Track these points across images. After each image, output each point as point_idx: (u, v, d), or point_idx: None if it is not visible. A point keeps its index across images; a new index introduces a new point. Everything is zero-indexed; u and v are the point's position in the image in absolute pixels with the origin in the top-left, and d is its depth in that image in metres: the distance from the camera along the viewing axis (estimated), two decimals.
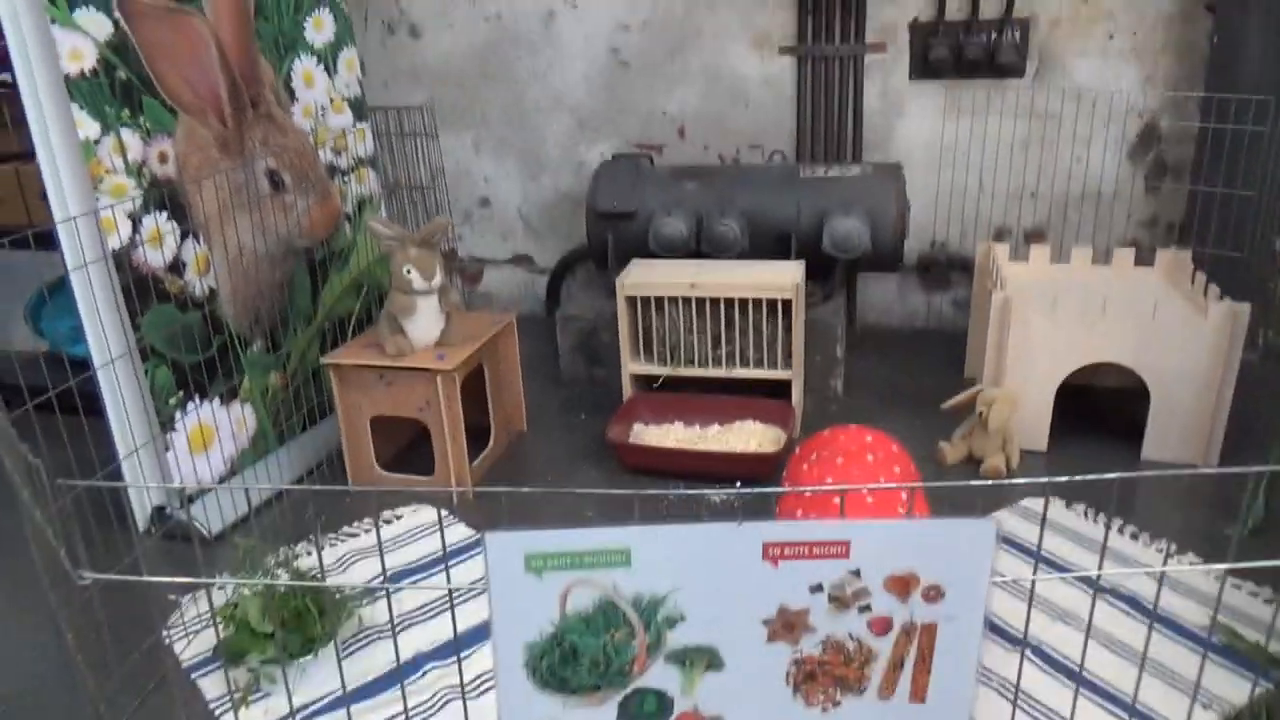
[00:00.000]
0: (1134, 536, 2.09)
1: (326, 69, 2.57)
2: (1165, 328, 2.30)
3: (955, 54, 2.97)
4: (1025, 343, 2.37)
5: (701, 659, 0.94)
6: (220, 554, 2.10)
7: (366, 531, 2.21)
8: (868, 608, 0.93)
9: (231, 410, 2.27)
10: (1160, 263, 2.69)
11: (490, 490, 2.27)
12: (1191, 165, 2.92)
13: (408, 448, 2.52)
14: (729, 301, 2.49)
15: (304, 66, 2.49)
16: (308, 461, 2.50)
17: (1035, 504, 2.21)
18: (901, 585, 0.90)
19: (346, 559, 2.09)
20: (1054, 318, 2.34)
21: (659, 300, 2.53)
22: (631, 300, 2.55)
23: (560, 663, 0.93)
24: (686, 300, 2.51)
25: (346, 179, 2.66)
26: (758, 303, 2.47)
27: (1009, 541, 2.05)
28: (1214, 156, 2.74)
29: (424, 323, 2.27)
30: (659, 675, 0.95)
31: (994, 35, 2.94)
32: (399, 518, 2.25)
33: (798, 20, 3.05)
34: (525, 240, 3.54)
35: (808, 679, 0.95)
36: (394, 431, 2.46)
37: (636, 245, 2.83)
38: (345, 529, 2.21)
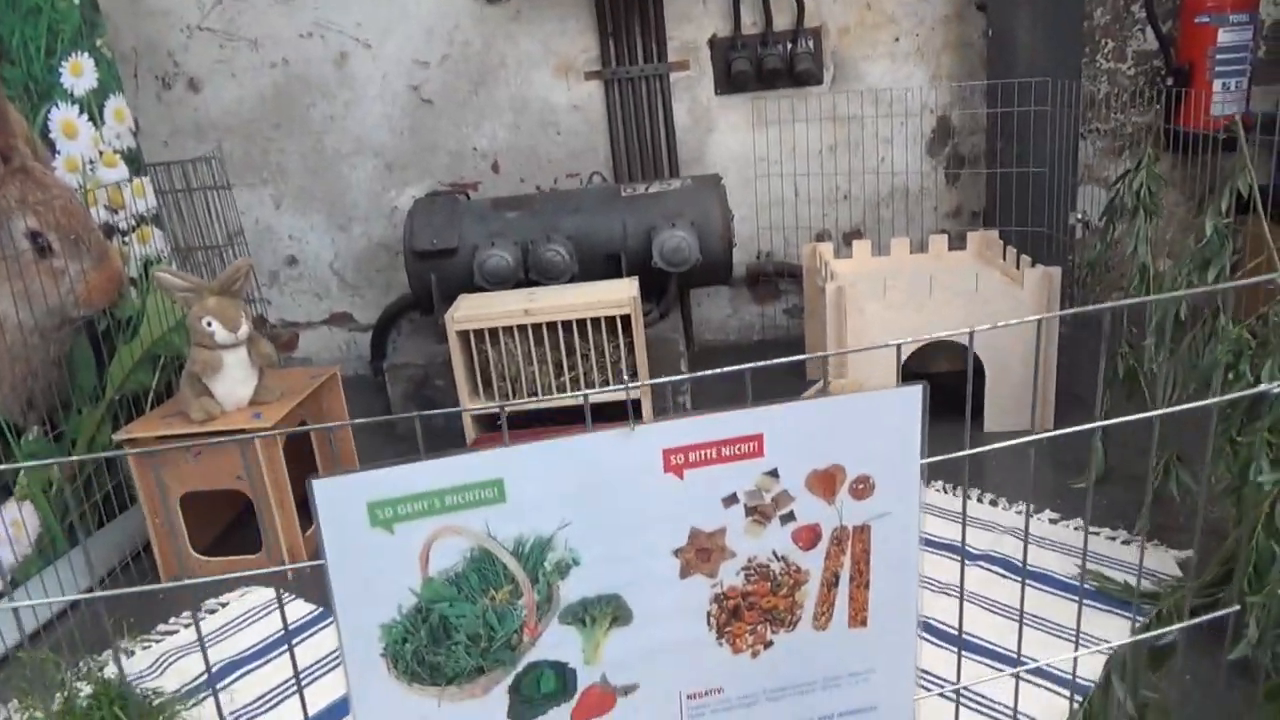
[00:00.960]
0: (993, 503, 2.13)
1: (91, 119, 2.31)
2: (988, 298, 2.38)
3: (756, 67, 3.02)
4: (863, 329, 2.38)
5: (605, 613, 0.77)
6: (8, 675, 1.77)
7: (186, 626, 1.93)
8: (791, 516, 0.79)
9: (6, 511, 1.94)
10: (972, 244, 2.80)
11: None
12: (985, 154, 3.08)
13: (230, 527, 2.25)
14: (566, 325, 2.38)
15: (63, 116, 2.23)
16: (110, 559, 2.18)
17: None
18: (826, 482, 0.78)
19: (165, 659, 1.81)
20: (885, 301, 2.37)
21: (493, 332, 2.39)
22: (464, 336, 2.39)
23: (430, 644, 0.73)
24: (522, 329, 2.38)
25: (127, 240, 2.39)
26: (596, 322, 2.38)
27: None
28: (1004, 141, 2.89)
29: (233, 380, 2.04)
30: (555, 642, 0.78)
31: (790, 46, 3.02)
32: (224, 605, 1.99)
33: (599, 44, 3.03)
34: (341, 297, 3.31)
35: (732, 618, 0.80)
36: (211, 510, 2.19)
37: (462, 283, 2.68)
38: (162, 626, 1.93)
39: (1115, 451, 2.25)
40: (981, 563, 1.86)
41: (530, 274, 2.67)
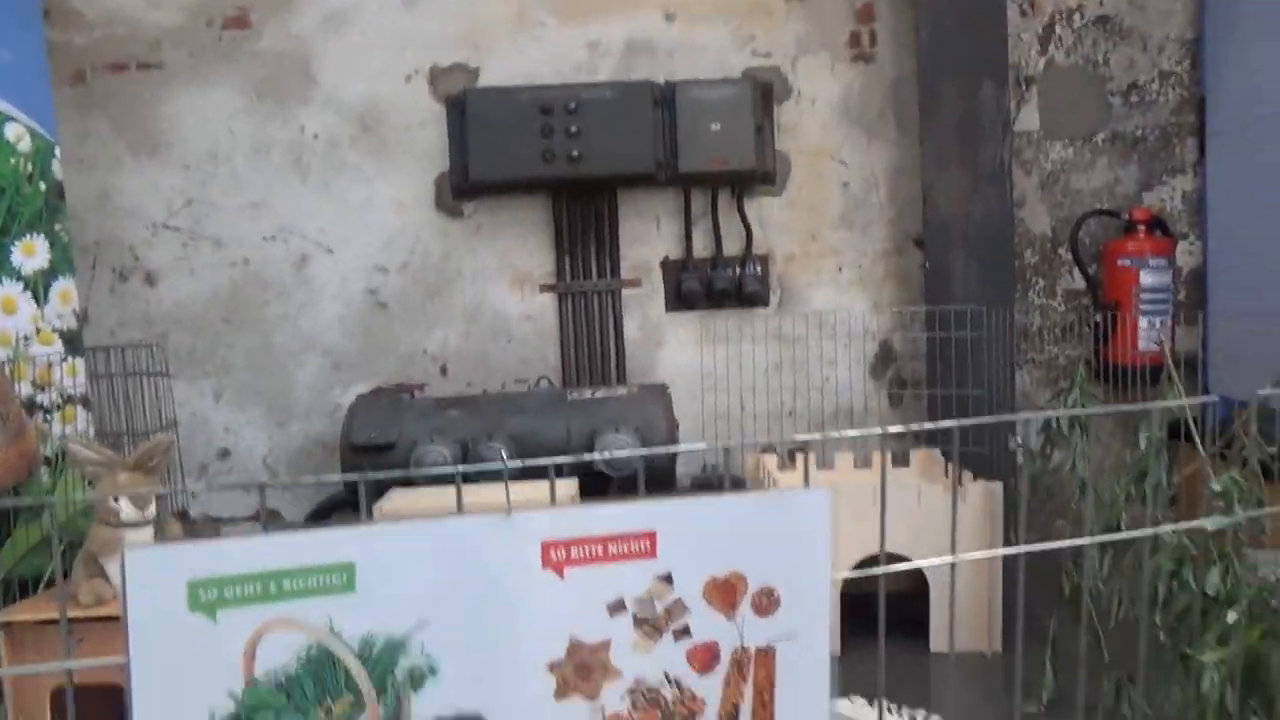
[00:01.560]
0: None
1: (35, 297, 2.31)
2: (930, 512, 2.35)
3: (706, 286, 3.13)
4: None
5: None
6: None
7: None
8: (685, 631, 0.69)
9: None
10: (915, 461, 2.80)
11: None
12: (926, 378, 3.15)
13: None
14: None
15: (4, 292, 2.22)
16: None
17: (836, 704, 2.07)
18: (725, 593, 0.68)
19: None
20: None
21: None
22: None
23: None
24: None
25: (49, 417, 2.32)
26: None
27: None
28: (944, 365, 2.97)
29: None
30: None
31: (739, 270, 3.15)
32: None
33: (555, 260, 3.15)
34: (272, 493, 3.19)
35: None
36: (96, 716, 1.97)
37: (397, 480, 2.60)
38: None
39: (1065, 673, 2.14)
40: None
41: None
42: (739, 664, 0.72)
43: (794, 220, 3.18)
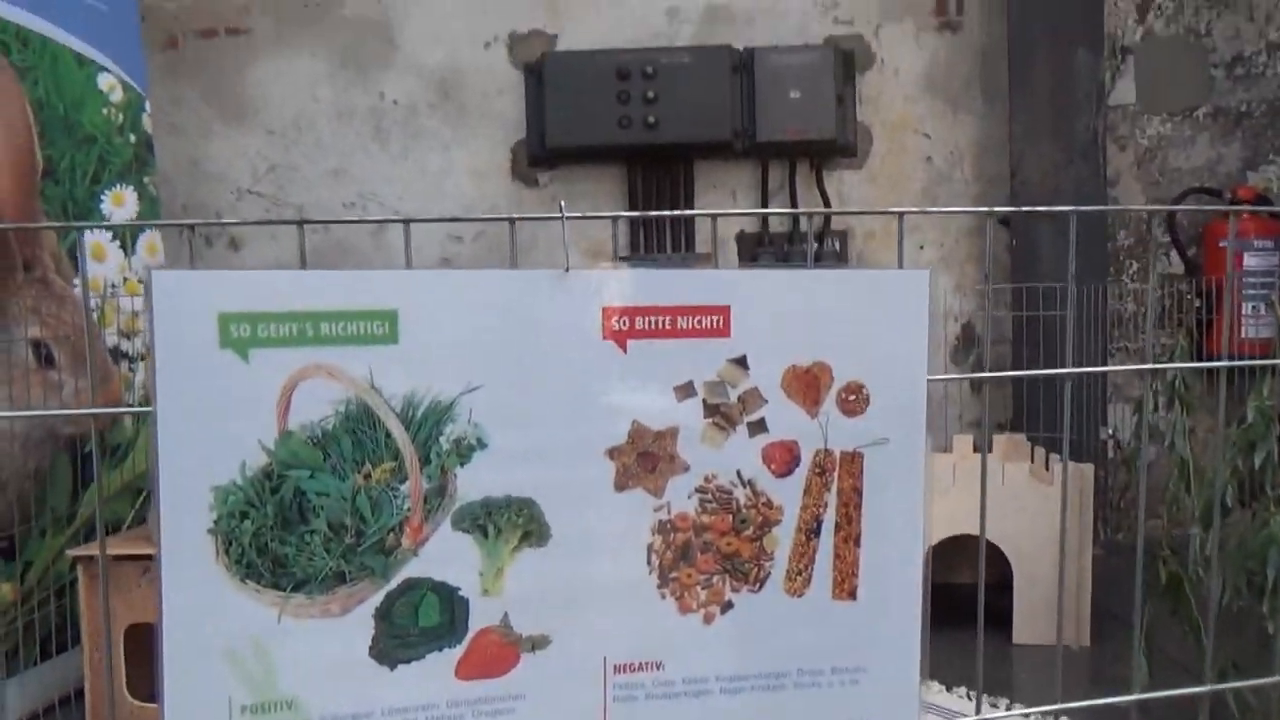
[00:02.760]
0: (1025, 716, 1.88)
1: (123, 246, 2.36)
2: (1015, 493, 2.25)
3: (782, 262, 3.06)
4: None
5: (513, 524, 0.57)
6: None
7: None
8: (761, 426, 0.61)
9: None
10: (999, 446, 2.68)
11: None
12: (1011, 363, 3.03)
13: None
14: None
15: (95, 239, 2.27)
16: (34, 701, 1.97)
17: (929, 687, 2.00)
18: (808, 386, 0.61)
19: None
20: None
21: None
22: None
23: (278, 527, 0.53)
24: None
25: (134, 367, 2.36)
26: None
27: None
28: (1030, 348, 2.85)
29: None
30: (444, 554, 0.57)
31: (815, 245, 3.07)
32: None
33: (630, 231, 3.11)
34: None
35: (680, 559, 0.59)
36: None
37: None
38: None
39: (1162, 670, 2.02)
40: None
41: None
42: (822, 468, 0.64)
43: (874, 195, 3.09)
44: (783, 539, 0.63)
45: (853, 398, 0.62)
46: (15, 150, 2.03)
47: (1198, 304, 2.99)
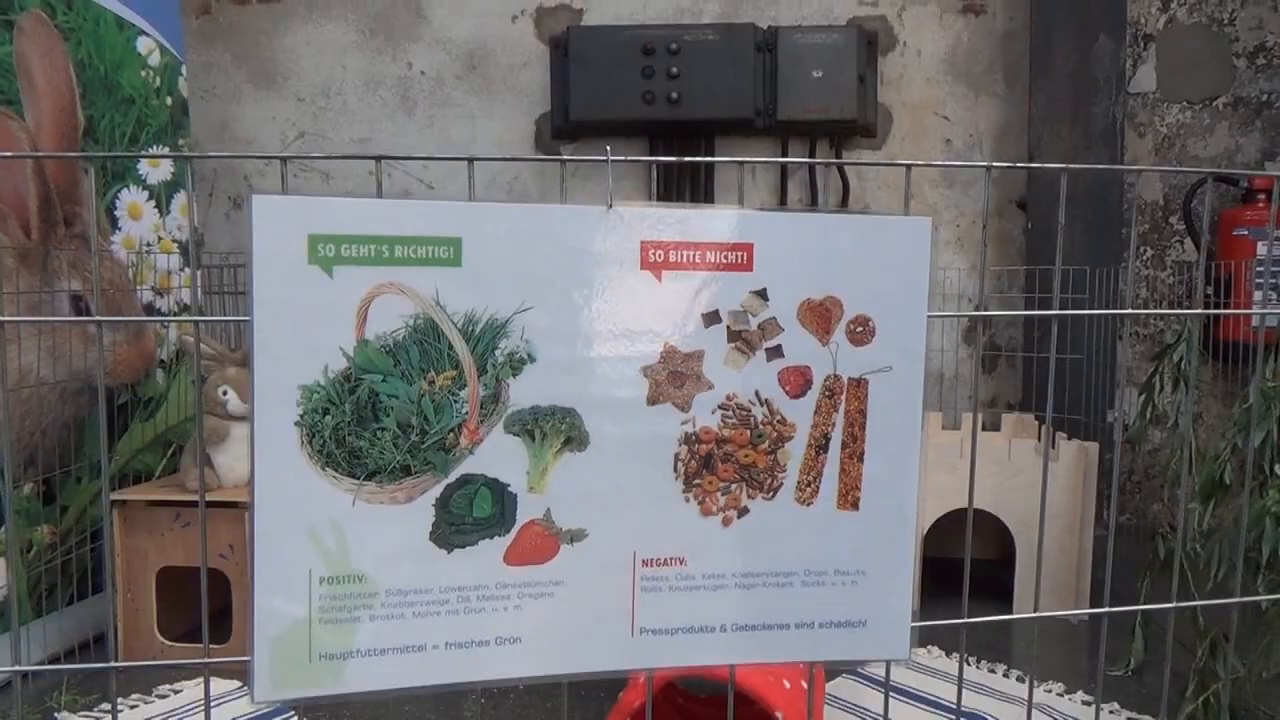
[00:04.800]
0: (1020, 679, 1.95)
1: (158, 205, 2.43)
2: (1021, 468, 2.29)
3: None
4: None
5: (557, 430, 0.65)
6: None
7: (133, 707, 1.78)
8: (778, 352, 0.69)
9: None
10: (1007, 425, 2.73)
11: None
12: (1023, 345, 3.07)
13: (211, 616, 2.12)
14: None
15: (131, 198, 2.34)
16: (70, 639, 2.05)
17: (919, 653, 2.06)
18: (820, 317, 0.69)
19: None
20: None
21: None
22: None
23: (353, 423, 0.62)
24: None
25: (166, 324, 2.44)
26: None
27: (900, 690, 1.86)
28: (1043, 330, 2.89)
29: (236, 454, 1.99)
30: (496, 454, 0.66)
31: None
32: (177, 692, 1.84)
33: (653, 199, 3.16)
34: None
35: (703, 468, 0.68)
36: (198, 596, 2.08)
37: None
38: (105, 706, 1.78)
39: (1156, 641, 2.08)
40: None
41: None
42: (831, 391, 0.72)
43: (893, 176, 3.13)
44: (795, 453, 0.71)
45: (860, 329, 0.69)
46: (59, 110, 2.10)
47: (1209, 291, 3.01)
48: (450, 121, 3.17)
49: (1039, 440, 2.53)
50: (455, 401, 0.66)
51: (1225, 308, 2.95)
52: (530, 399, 0.68)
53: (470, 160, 0.73)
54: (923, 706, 1.79)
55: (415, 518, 0.66)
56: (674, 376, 0.69)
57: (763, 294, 0.71)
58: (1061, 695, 1.91)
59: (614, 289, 0.69)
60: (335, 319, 0.64)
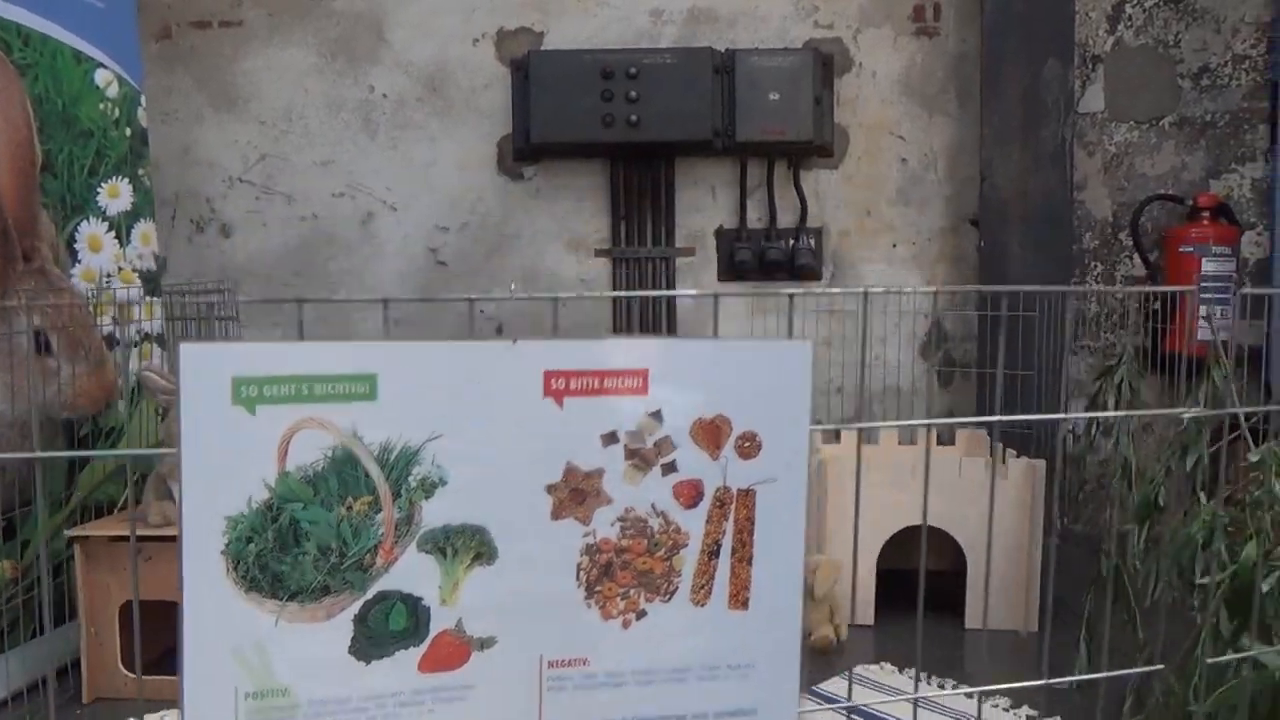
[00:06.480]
0: (968, 695, 2.01)
1: (118, 237, 2.44)
2: (971, 487, 2.36)
3: (758, 258, 3.16)
4: (844, 506, 2.35)
5: (467, 546, 0.71)
6: None
7: None
8: (673, 467, 0.75)
9: None
10: (960, 440, 2.80)
11: None
12: (977, 360, 3.14)
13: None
14: None
15: (91, 230, 2.35)
16: (32, 674, 2.07)
17: (867, 670, 2.13)
18: (711, 434, 0.74)
19: None
20: (868, 480, 2.35)
21: None
22: None
23: (276, 549, 0.67)
24: None
25: (128, 352, 2.45)
26: None
27: (855, 710, 1.92)
28: (994, 347, 2.96)
29: None
30: (411, 571, 0.71)
31: (792, 242, 3.17)
32: None
33: (611, 225, 3.20)
34: None
35: (603, 575, 0.73)
36: (160, 629, 2.10)
37: None
38: None
39: (1100, 655, 2.15)
40: None
41: None
42: (721, 501, 0.78)
43: (850, 194, 3.19)
44: (688, 559, 0.76)
45: (748, 444, 0.75)
46: (15, 145, 2.10)
47: (1156, 306, 3.10)
48: (412, 144, 3.20)
49: (990, 456, 2.60)
50: (372, 524, 0.71)
51: (1171, 324, 3.03)
52: (442, 519, 0.73)
53: (385, 302, 0.77)
54: None
55: (335, 633, 0.71)
56: (575, 494, 0.75)
57: (658, 415, 0.76)
58: (1008, 710, 1.97)
59: (518, 415, 0.74)
60: (258, 454, 0.69)
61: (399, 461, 0.71)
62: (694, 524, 0.78)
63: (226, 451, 0.69)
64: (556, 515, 0.75)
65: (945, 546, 2.40)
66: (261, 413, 0.69)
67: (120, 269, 2.44)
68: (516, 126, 3.08)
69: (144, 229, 2.53)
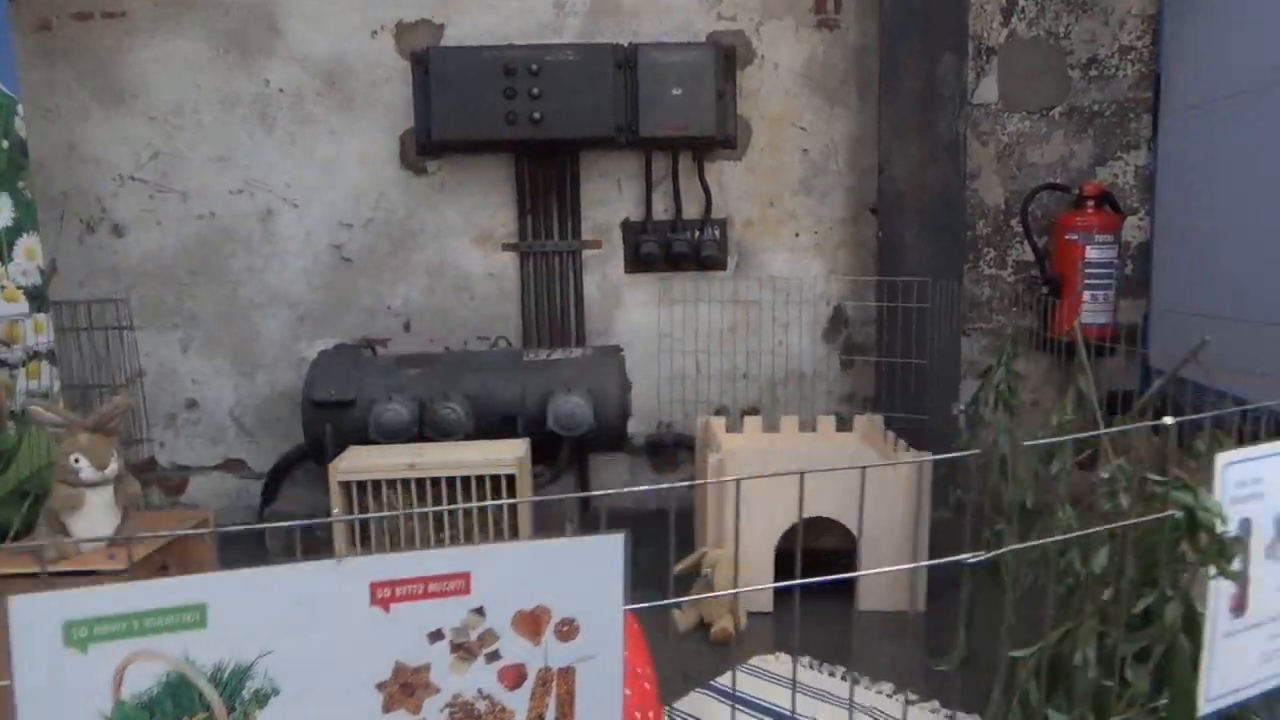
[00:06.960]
0: (855, 681, 2.12)
1: (0, 255, 2.36)
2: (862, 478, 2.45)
3: (664, 249, 3.20)
4: (742, 502, 2.43)
5: None
6: None
7: None
8: (496, 655, 0.81)
9: None
10: (858, 427, 2.91)
11: None
12: (876, 344, 3.25)
13: None
14: (450, 481, 2.39)
15: None
16: None
17: (763, 661, 2.22)
18: (531, 624, 0.80)
19: None
20: (767, 469, 2.44)
21: (376, 485, 2.39)
22: (346, 486, 2.39)
23: None
24: (406, 483, 2.38)
25: (15, 373, 2.39)
26: (480, 480, 2.40)
27: (743, 702, 2.02)
28: (892, 334, 3.07)
29: (93, 520, 2.00)
30: None
31: (697, 233, 3.21)
32: None
33: (518, 219, 3.20)
34: (238, 443, 3.29)
35: None
36: None
37: (356, 435, 2.70)
38: None
39: (981, 637, 2.28)
40: None
41: (425, 430, 2.70)
42: (544, 680, 0.84)
43: (753, 185, 3.24)
44: None
45: (567, 628, 0.82)
46: None
47: (1044, 290, 3.24)
48: (313, 139, 3.13)
49: (884, 443, 2.71)
50: None
51: (1057, 308, 3.17)
52: None
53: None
54: (765, 718, 1.94)
55: None
56: (404, 688, 0.80)
57: (480, 611, 0.82)
58: (890, 696, 2.08)
59: (346, 625, 0.78)
60: (92, 689, 0.72)
61: (232, 679, 0.75)
62: (519, 702, 0.84)
63: (60, 690, 0.72)
64: (388, 709, 0.80)
65: (840, 529, 2.49)
66: (94, 650, 0.72)
67: (4, 287, 2.37)
68: (419, 122, 3.04)
69: (27, 243, 2.46)
